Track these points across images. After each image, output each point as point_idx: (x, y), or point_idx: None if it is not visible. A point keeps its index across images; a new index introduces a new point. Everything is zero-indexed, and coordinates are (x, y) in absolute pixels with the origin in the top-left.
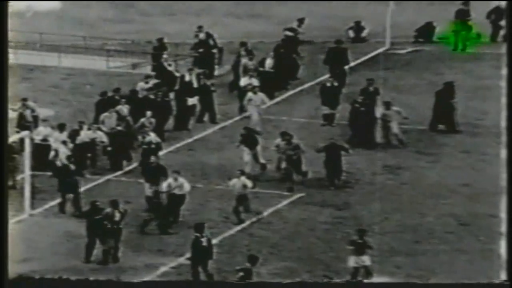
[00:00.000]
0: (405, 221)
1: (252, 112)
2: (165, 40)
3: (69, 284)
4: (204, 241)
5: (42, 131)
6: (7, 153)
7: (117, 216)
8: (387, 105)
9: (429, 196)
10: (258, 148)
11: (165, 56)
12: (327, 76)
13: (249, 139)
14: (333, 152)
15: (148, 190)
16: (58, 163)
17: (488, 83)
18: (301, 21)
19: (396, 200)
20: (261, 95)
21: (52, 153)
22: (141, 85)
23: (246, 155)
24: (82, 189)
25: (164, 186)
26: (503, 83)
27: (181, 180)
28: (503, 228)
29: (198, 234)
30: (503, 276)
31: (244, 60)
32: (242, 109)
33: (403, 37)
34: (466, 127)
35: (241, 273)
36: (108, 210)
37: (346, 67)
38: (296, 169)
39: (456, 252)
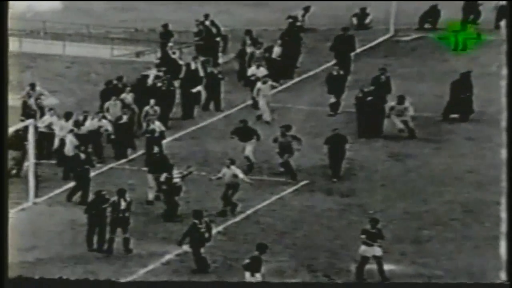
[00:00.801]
0: (410, 208)
1: (261, 100)
2: (170, 27)
3: (69, 284)
4: (202, 228)
5: (47, 119)
6: (7, 143)
7: (123, 205)
8: (400, 99)
9: (434, 183)
10: (252, 145)
11: (170, 44)
12: (331, 63)
13: (244, 133)
14: (337, 143)
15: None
16: (67, 152)
17: (493, 70)
18: (306, 9)
19: (401, 187)
20: (270, 83)
21: (56, 142)
22: (154, 72)
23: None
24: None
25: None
26: (503, 82)
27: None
28: (503, 228)
29: (196, 221)
30: (503, 276)
31: (249, 49)
32: (254, 100)
33: (408, 24)
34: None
35: (247, 261)
36: (114, 198)
37: (352, 54)
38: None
39: (461, 239)
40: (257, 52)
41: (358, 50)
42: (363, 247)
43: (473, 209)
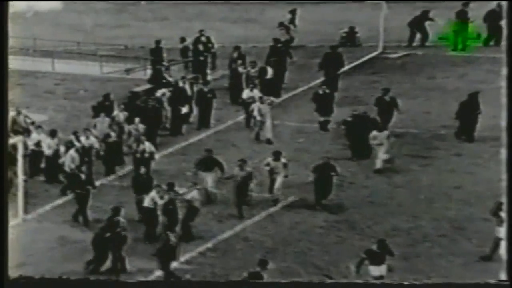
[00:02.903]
0: (399, 225)
1: (266, 120)
2: (162, 44)
3: (69, 284)
4: (173, 242)
5: (35, 137)
6: (7, 157)
7: (124, 223)
8: (381, 127)
9: (423, 199)
10: (213, 177)
11: (164, 63)
12: (320, 80)
13: (208, 164)
14: (325, 172)
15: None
16: (67, 168)
17: (481, 87)
18: (293, 12)
19: (389, 203)
20: (267, 100)
21: (44, 159)
22: (162, 91)
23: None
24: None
25: (147, 201)
26: (499, 84)
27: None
28: (504, 228)
29: (169, 232)
30: (503, 276)
31: (241, 68)
32: (248, 121)
33: (396, 41)
34: None
35: (245, 275)
36: (120, 219)
37: (339, 72)
38: (243, 196)
39: (450, 255)
40: (252, 70)
41: (346, 68)
42: (371, 268)
43: (461, 226)
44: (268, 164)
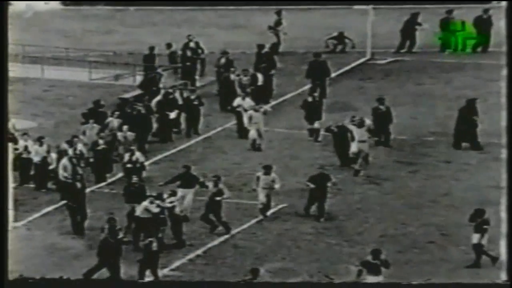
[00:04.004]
0: (387, 231)
1: (259, 129)
2: (156, 51)
3: (69, 284)
4: (154, 246)
5: (22, 144)
6: (7, 161)
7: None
8: (360, 123)
9: (411, 206)
10: (192, 194)
11: (158, 70)
12: (308, 86)
13: (187, 179)
14: (320, 183)
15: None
16: (60, 176)
17: (468, 93)
18: (278, 13)
19: (378, 210)
20: (262, 110)
21: (33, 166)
22: (158, 99)
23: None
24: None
25: (139, 210)
26: (485, 90)
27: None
28: (503, 228)
29: (151, 239)
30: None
31: (233, 76)
32: (240, 129)
33: (384, 48)
34: (446, 137)
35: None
36: (118, 227)
37: (327, 78)
38: (215, 215)
39: (438, 262)
40: (244, 78)
41: (334, 74)
42: (369, 277)
43: (449, 232)
44: (258, 179)
